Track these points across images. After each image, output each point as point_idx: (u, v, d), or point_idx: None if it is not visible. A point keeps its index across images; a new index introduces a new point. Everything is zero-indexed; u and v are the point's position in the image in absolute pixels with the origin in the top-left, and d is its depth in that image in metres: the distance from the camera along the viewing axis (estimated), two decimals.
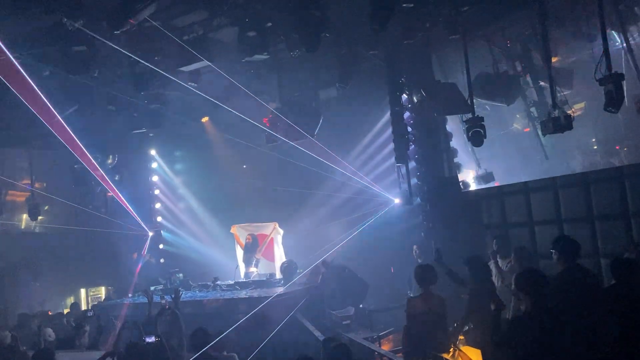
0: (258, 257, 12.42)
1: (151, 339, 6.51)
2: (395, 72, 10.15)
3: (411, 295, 10.61)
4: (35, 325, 10.18)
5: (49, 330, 9.86)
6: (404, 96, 10.42)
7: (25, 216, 17.11)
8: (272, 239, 12.68)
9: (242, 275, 12.29)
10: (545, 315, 4.73)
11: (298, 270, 11.71)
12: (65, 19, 7.23)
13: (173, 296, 7.69)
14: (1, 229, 16.71)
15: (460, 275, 7.14)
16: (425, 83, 10.09)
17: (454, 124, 11.46)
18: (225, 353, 7.09)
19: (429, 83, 10.10)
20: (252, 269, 12.19)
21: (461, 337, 5.99)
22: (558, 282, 5.40)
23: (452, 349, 5.66)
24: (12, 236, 16.71)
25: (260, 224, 12.93)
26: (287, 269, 11.55)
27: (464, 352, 5.58)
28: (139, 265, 12.83)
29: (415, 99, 10.38)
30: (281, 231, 12.78)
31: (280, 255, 12.60)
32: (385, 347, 8.62)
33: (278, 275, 11.78)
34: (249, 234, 12.67)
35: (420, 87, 10.09)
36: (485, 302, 5.78)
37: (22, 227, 17.52)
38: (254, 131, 11.99)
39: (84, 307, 14.20)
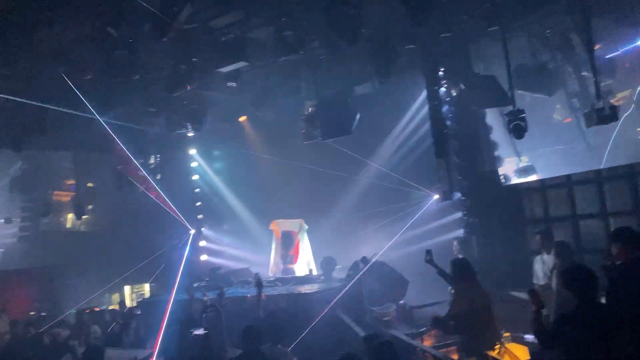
0: (292, 253, 12.51)
1: (199, 332, 6.67)
2: (432, 65, 10.06)
3: (452, 291, 10.62)
4: (83, 322, 10.52)
5: (96, 327, 10.17)
6: (442, 90, 10.31)
7: (70, 216, 17.67)
8: (299, 235, 12.74)
9: (281, 271, 12.39)
10: (594, 313, 4.61)
11: (337, 267, 11.74)
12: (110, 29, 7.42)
13: (218, 293, 7.81)
14: (49, 228, 17.29)
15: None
16: (463, 76, 9.97)
17: (493, 117, 11.29)
18: (279, 346, 7.15)
19: (468, 76, 9.96)
20: (290, 266, 12.29)
21: (506, 334, 5.92)
22: (619, 275, 5.16)
23: (497, 345, 5.59)
24: (58, 235, 17.28)
25: (291, 220, 13.01)
26: (327, 265, 11.60)
27: (509, 350, 5.51)
28: (182, 263, 13.05)
29: (453, 93, 10.27)
30: (306, 227, 12.83)
31: (304, 251, 12.64)
32: (427, 343, 8.57)
33: (314, 271, 11.87)
34: (284, 230, 12.78)
35: (458, 80, 9.97)
36: (469, 301, 6.47)
37: (68, 226, 18.09)
38: (291, 129, 12.07)
39: (128, 304, 14.58)
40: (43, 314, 11.84)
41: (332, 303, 9.12)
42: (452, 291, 7.33)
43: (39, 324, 10.66)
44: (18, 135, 11.16)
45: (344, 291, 9.42)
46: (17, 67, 8.81)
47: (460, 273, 7.01)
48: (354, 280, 9.98)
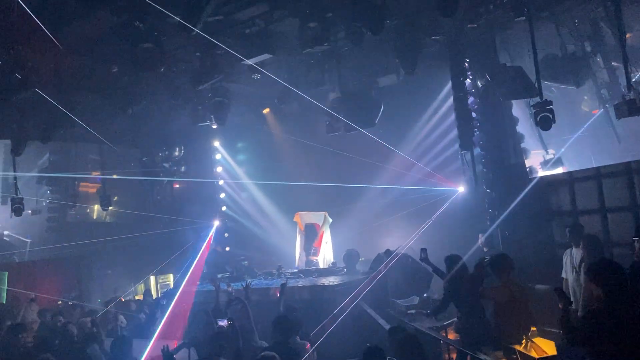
0: (316, 245, 12.54)
1: (223, 322, 6.74)
2: (458, 56, 9.94)
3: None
4: (109, 312, 10.69)
5: (121, 317, 10.33)
6: (468, 81, 10.20)
7: (96, 207, 17.92)
8: (323, 229, 12.74)
9: (304, 263, 12.43)
10: (622, 309, 4.52)
11: (360, 259, 11.75)
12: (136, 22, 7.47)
13: (244, 286, 7.87)
14: (75, 219, 17.60)
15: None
16: (489, 67, 9.84)
17: (519, 108, 11.14)
18: (298, 339, 7.23)
19: (494, 67, 9.81)
20: (313, 257, 12.32)
21: (533, 329, 5.86)
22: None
23: (524, 340, 5.54)
24: (85, 226, 17.57)
25: (315, 212, 13.02)
26: (350, 257, 11.62)
27: (536, 344, 5.45)
28: (207, 254, 13.19)
29: (479, 84, 10.15)
30: (330, 220, 12.82)
31: (327, 244, 12.63)
32: (451, 336, 8.53)
33: (336, 264, 11.90)
34: (307, 222, 12.80)
35: (484, 72, 9.85)
36: (462, 295, 6.97)
37: (94, 217, 18.38)
38: (314, 121, 12.04)
39: (153, 294, 14.77)
40: (70, 303, 12.05)
41: (357, 295, 9.14)
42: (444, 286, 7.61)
43: (66, 313, 10.87)
44: (46, 128, 11.35)
45: (371, 284, 9.43)
46: (45, 60, 8.93)
47: (458, 269, 7.24)
48: (376, 272, 9.99)
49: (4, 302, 12.95)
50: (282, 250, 14.15)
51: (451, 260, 7.43)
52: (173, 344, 6.70)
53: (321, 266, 12.12)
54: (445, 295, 7.59)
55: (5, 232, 16.30)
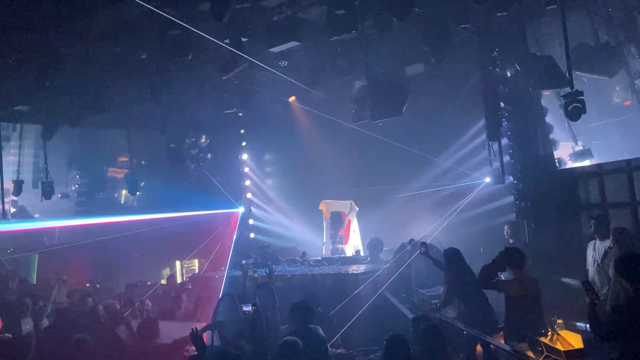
0: (342, 234, 12.54)
1: (248, 308, 6.84)
2: (487, 45, 9.77)
3: (502, 276, 10.46)
4: (135, 295, 10.87)
5: (148, 301, 10.50)
6: (497, 70, 10.04)
7: (124, 192, 18.23)
8: (349, 218, 12.72)
9: (329, 251, 12.47)
10: None
11: (384, 248, 11.74)
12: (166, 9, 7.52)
13: (267, 272, 7.95)
14: (103, 204, 17.93)
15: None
16: (519, 56, 9.64)
17: (548, 99, 10.94)
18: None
19: (524, 56, 9.62)
20: (338, 246, 12.35)
21: (560, 321, 5.81)
22: None
23: (550, 332, 5.49)
24: (112, 210, 17.86)
25: (341, 201, 13.01)
26: (373, 246, 11.61)
27: (562, 336, 5.40)
28: (233, 240, 13.32)
29: (508, 73, 9.99)
30: (356, 208, 12.79)
31: (355, 232, 12.62)
32: None
33: (362, 253, 11.89)
34: (333, 211, 12.80)
35: (514, 61, 9.68)
36: (464, 288, 7.37)
37: (122, 202, 18.69)
38: (340, 109, 12.00)
39: (179, 279, 14.99)
40: (98, 286, 12.29)
41: (381, 284, 9.17)
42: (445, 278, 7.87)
43: (94, 295, 11.08)
44: (76, 113, 11.55)
45: (395, 274, 9.43)
46: (75, 46, 9.06)
47: (458, 263, 7.64)
48: (400, 262, 9.98)
49: (34, 282, 13.29)
50: (306, 239, 14.22)
51: (450, 253, 7.79)
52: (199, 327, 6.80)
53: (348, 254, 12.11)
54: (449, 288, 7.79)
55: (36, 215, 16.67)
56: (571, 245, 9.35)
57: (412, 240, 10.32)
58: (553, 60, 9.12)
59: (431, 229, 10.38)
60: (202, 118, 13.82)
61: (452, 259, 7.76)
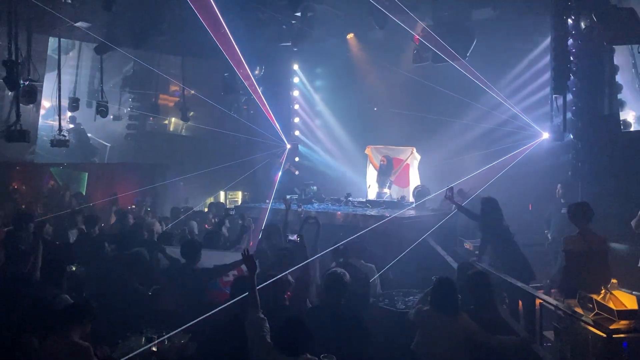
0: (392, 179, 12.40)
1: (294, 237, 6.92)
2: None
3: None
4: (180, 219, 11.10)
5: (194, 224, 10.69)
6: (570, 21, 9.49)
7: (174, 119, 18.44)
8: (407, 164, 12.51)
9: (375, 195, 12.39)
10: None
11: (430, 196, 11.57)
12: None
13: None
14: (153, 129, 18.21)
15: None
16: (597, 7, 9.06)
17: (622, 57, 10.33)
18: (362, 262, 7.32)
19: (602, 7, 9.03)
20: (385, 190, 12.23)
21: (614, 281, 5.63)
22: None
23: (603, 290, 5.34)
24: (162, 137, 18.17)
25: (397, 147, 12.77)
26: (420, 193, 11.46)
27: (615, 296, 5.24)
28: (278, 174, 13.37)
29: (583, 25, 9.43)
30: (418, 157, 12.53)
31: (415, 181, 12.44)
32: None
33: (410, 199, 11.77)
34: (383, 156, 12.60)
35: (591, 11, 9.12)
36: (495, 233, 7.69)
37: (171, 129, 18.94)
38: (400, 50, 11.61)
39: None
40: (144, 208, 12.58)
41: (424, 230, 9.06)
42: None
43: (140, 215, 11.38)
44: (137, 34, 11.54)
45: (440, 222, 9.35)
46: None
47: (487, 211, 7.85)
48: (447, 211, 9.85)
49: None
50: (351, 180, 14.17)
51: (487, 202, 7.92)
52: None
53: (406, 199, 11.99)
54: (483, 237, 8.08)
55: (89, 135, 17.08)
56: (625, 210, 9.00)
57: (460, 191, 10.14)
58: (635, 14, 8.56)
59: (483, 180, 10.12)
60: (258, 49, 13.64)
61: (488, 208, 7.84)
